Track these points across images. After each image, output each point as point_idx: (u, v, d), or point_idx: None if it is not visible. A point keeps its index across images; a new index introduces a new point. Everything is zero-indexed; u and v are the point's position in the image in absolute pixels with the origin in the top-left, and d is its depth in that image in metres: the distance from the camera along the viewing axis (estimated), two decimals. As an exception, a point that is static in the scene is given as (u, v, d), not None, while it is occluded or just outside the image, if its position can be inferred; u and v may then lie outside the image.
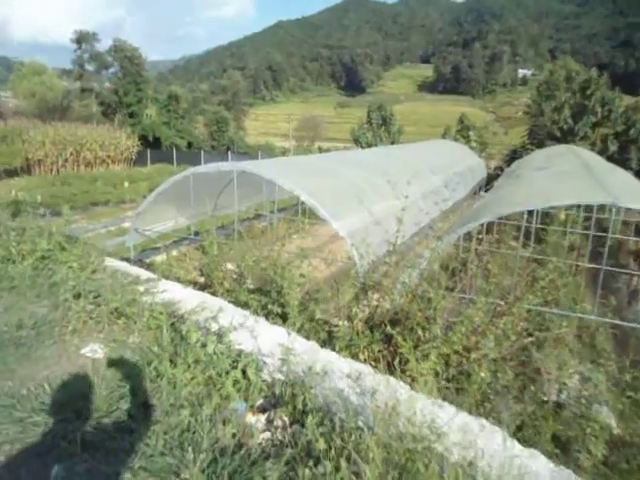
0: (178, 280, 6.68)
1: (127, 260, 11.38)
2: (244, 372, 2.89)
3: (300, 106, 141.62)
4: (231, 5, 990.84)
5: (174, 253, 13.76)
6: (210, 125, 52.04)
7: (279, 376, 2.91)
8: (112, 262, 5.38)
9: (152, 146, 39.75)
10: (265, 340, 3.38)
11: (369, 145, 34.07)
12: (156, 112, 47.61)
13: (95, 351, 2.98)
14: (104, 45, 48.52)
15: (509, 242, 10.70)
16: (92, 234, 15.93)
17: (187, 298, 4.25)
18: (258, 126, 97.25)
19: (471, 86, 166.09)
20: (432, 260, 7.40)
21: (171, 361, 2.92)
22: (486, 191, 23.01)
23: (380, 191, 11.79)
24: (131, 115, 45.68)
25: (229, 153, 35.40)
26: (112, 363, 2.95)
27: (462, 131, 34.58)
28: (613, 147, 25.96)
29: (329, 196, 9.47)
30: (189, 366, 2.85)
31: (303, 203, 19.56)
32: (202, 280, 7.39)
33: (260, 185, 15.35)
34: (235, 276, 6.46)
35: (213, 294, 6.02)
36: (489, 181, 24.41)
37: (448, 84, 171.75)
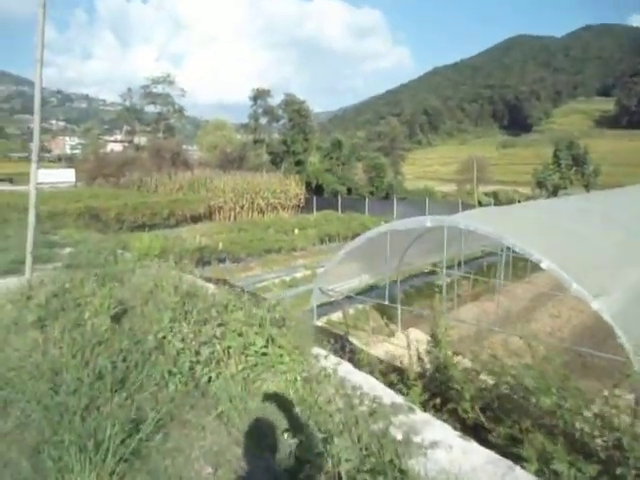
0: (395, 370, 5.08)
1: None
2: None
3: (458, 148, 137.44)
4: (389, 57, 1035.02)
5: (351, 311, 12.57)
6: (369, 171, 52.24)
7: None
8: (330, 360, 3.91)
9: (315, 193, 40.82)
10: None
11: (555, 189, 29.86)
12: (319, 160, 49.51)
13: None
14: (274, 100, 53.02)
15: None
16: (267, 283, 15.64)
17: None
18: (414, 170, 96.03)
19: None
20: None
21: None
22: None
23: (628, 252, 8.95)
24: (297, 163, 48.15)
25: (394, 199, 34.28)
26: None
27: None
28: None
29: (572, 261, 7.09)
30: None
31: (484, 258, 16.94)
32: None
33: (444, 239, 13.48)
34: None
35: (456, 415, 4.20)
36: None
37: (634, 117, 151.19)
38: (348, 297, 12.11)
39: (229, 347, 3.41)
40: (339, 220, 26.47)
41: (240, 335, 3.56)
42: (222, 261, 18.23)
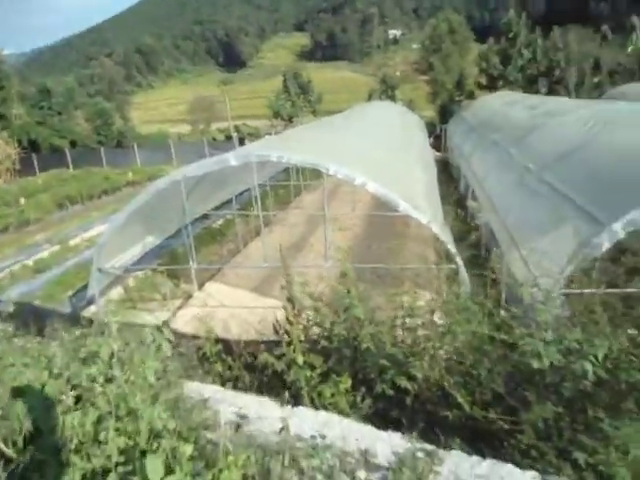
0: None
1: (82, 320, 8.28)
2: None
3: (181, 89, 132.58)
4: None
5: (131, 283, 10.62)
6: (92, 119, 45.80)
7: None
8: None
9: (29, 151, 33.48)
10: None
11: (290, 117, 31.42)
12: (26, 112, 40.39)
13: None
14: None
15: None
16: (1, 274, 11.92)
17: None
18: (141, 115, 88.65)
19: (348, 51, 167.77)
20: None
21: None
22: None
23: (398, 163, 9.66)
24: (-4, 118, 38.26)
25: (134, 146, 30.66)
26: None
27: (386, 91, 33.39)
28: (544, 88, 26.24)
29: (392, 183, 7.04)
30: None
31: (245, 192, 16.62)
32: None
33: (221, 181, 12.38)
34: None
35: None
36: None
37: (326, 51, 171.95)
38: (127, 270, 10.13)
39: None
40: (75, 178, 22.20)
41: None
42: None
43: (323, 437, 1.84)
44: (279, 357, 2.82)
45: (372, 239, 11.49)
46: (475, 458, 1.75)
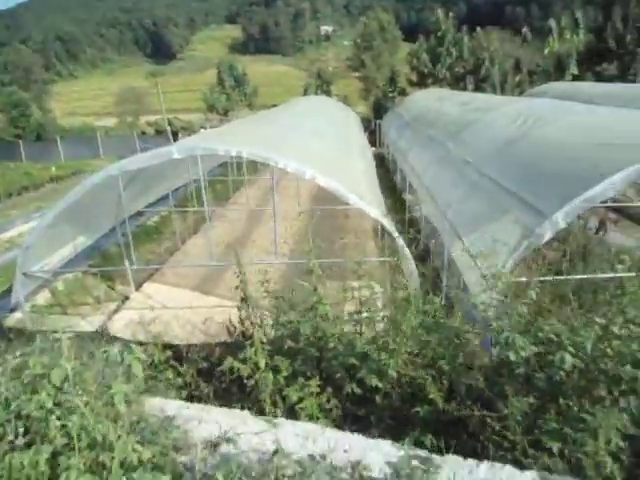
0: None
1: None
2: None
3: (106, 80, 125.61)
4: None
5: (59, 287, 9.89)
6: (7, 110, 42.28)
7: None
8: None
9: None
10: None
11: (226, 111, 30.67)
12: None
13: None
14: None
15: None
16: None
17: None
18: (62, 106, 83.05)
19: (280, 44, 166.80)
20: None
21: None
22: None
23: (339, 155, 9.64)
24: None
25: (57, 139, 28.60)
26: None
27: (322, 86, 33.47)
28: (471, 85, 27.36)
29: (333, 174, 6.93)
30: None
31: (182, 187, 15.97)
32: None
33: (157, 176, 11.78)
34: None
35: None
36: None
37: (258, 43, 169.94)
38: (56, 273, 9.41)
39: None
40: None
41: None
42: None
43: (323, 457, 1.68)
44: (243, 361, 2.63)
45: (315, 233, 11.37)
46: (471, 462, 1.71)
